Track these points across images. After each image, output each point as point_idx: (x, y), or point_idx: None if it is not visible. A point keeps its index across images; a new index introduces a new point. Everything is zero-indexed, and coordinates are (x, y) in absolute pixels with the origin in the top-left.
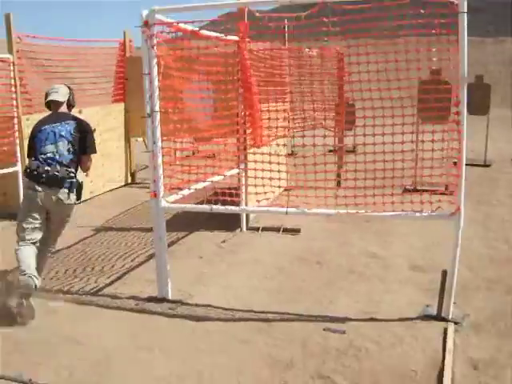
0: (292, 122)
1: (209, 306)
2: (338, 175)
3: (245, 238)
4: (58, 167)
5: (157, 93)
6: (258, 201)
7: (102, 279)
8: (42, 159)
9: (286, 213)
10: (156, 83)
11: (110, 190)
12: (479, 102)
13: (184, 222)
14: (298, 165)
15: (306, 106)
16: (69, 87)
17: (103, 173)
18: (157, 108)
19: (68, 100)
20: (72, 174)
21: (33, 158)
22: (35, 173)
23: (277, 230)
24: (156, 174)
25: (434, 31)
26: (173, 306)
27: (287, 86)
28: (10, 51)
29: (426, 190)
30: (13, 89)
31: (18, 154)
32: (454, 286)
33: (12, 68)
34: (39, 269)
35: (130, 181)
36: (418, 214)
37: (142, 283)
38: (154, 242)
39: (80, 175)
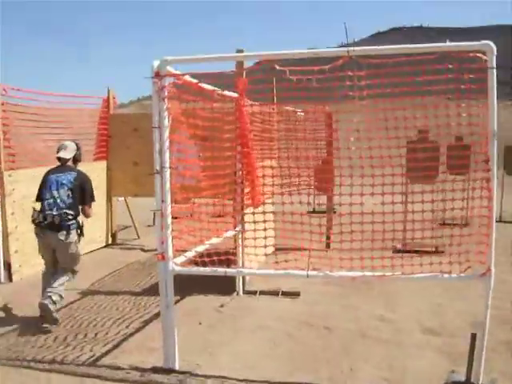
0: (279, 179)
1: (222, 377)
2: (328, 237)
3: (243, 302)
4: (59, 211)
5: (167, 147)
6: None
7: (98, 347)
8: (46, 203)
9: (307, 276)
10: (166, 137)
11: (91, 251)
12: None
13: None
14: (286, 223)
15: (292, 163)
16: (77, 144)
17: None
18: (167, 164)
19: (74, 156)
20: (71, 217)
21: (40, 202)
22: (39, 219)
23: (275, 293)
24: (164, 235)
25: (463, 86)
26: (182, 378)
27: (275, 142)
28: None
29: (417, 251)
30: None
31: None
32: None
33: None
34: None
35: (110, 241)
36: (446, 276)
37: (142, 352)
38: (162, 310)
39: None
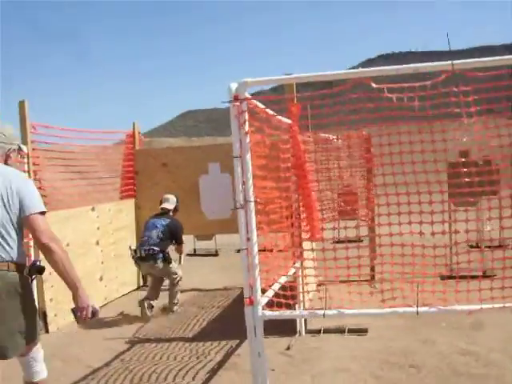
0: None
1: None
2: (372, 268)
3: (309, 343)
4: (148, 247)
5: (251, 178)
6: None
7: None
8: (141, 241)
9: (417, 313)
10: (250, 167)
11: (124, 295)
12: None
13: (220, 328)
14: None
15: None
16: (176, 197)
17: (117, 276)
18: (252, 197)
19: (175, 207)
20: (156, 251)
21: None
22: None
23: (341, 331)
24: (252, 276)
25: None
26: None
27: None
28: (25, 142)
29: (465, 277)
30: None
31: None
32: None
33: (26, 160)
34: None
35: (141, 283)
36: None
37: None
38: (252, 360)
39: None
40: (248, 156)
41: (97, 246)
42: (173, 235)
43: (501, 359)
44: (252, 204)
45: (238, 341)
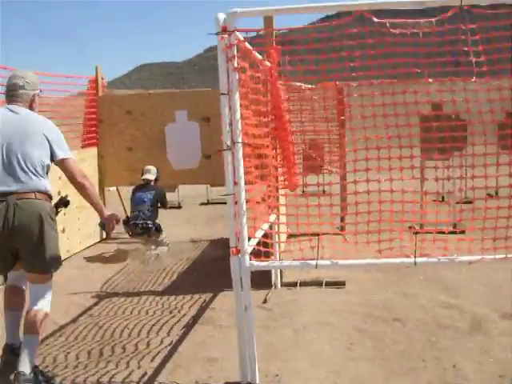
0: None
1: None
2: (342, 219)
3: (287, 297)
4: (142, 221)
5: (239, 118)
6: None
7: (146, 362)
8: (133, 215)
9: (415, 264)
10: (238, 106)
11: (87, 247)
12: None
13: (190, 281)
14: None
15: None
16: (157, 168)
17: (79, 228)
18: (239, 139)
19: (156, 178)
20: (150, 225)
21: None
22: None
23: (318, 284)
24: (239, 225)
25: None
26: None
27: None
28: None
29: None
30: None
31: None
32: None
33: None
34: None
35: (104, 236)
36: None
37: (203, 365)
38: (238, 314)
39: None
40: (236, 95)
41: (58, 197)
42: (160, 203)
43: (486, 312)
44: (240, 146)
45: (211, 294)
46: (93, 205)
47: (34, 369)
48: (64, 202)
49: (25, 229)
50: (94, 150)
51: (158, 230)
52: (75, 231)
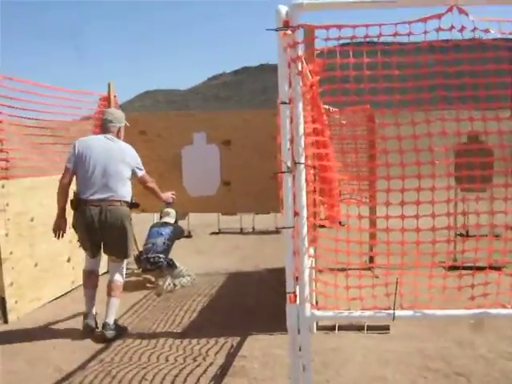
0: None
1: None
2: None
3: (326, 343)
4: (154, 254)
5: (302, 133)
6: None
7: None
8: (145, 248)
9: None
10: (301, 118)
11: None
12: None
13: (212, 320)
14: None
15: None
16: (176, 211)
17: (84, 258)
18: (302, 159)
19: (175, 221)
20: (161, 258)
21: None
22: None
23: (358, 328)
24: (299, 265)
25: None
26: None
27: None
28: None
29: (470, 267)
30: None
31: None
32: None
33: None
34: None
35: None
36: None
37: None
38: (291, 377)
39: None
40: (300, 104)
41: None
42: (177, 239)
43: None
44: (302, 167)
45: (238, 338)
46: (158, 197)
47: (115, 321)
48: (134, 205)
49: (112, 227)
50: None
51: (171, 265)
52: (81, 260)
